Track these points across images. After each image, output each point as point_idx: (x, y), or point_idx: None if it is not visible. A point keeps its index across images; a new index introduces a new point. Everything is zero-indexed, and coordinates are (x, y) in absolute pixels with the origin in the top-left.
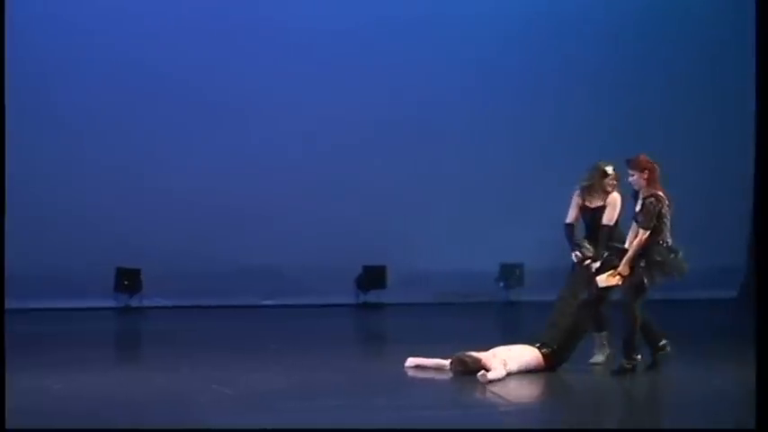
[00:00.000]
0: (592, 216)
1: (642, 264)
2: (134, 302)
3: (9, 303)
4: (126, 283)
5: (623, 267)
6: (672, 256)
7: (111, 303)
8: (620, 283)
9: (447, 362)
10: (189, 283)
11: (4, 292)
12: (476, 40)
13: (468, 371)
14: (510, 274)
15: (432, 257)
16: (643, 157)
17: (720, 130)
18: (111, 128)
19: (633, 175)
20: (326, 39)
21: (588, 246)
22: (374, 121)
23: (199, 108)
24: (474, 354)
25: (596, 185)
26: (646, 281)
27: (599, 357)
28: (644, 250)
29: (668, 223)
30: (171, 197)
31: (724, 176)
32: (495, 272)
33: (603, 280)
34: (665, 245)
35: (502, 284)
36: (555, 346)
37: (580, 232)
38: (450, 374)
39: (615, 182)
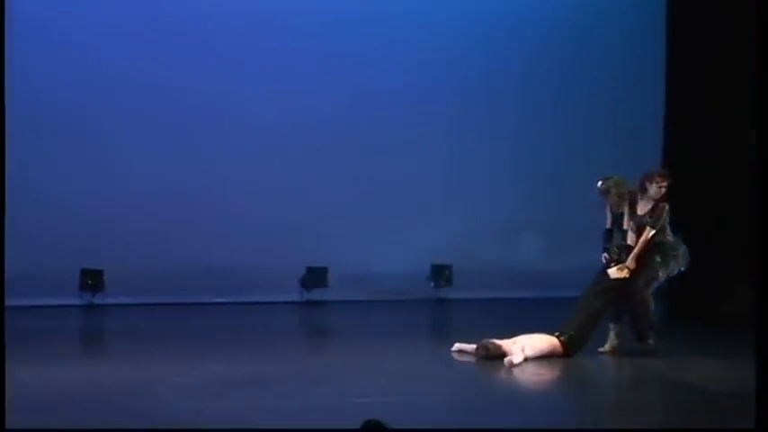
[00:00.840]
0: (618, 221)
1: (658, 259)
2: (97, 300)
3: None
4: (90, 282)
5: (630, 261)
6: (682, 249)
7: (76, 301)
8: (627, 275)
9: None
10: (148, 282)
11: (3, 293)
12: (416, 45)
13: (490, 356)
14: (440, 274)
15: (369, 259)
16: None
17: (629, 139)
18: (79, 136)
19: (667, 186)
20: (279, 49)
21: (616, 249)
22: (317, 135)
23: (159, 116)
24: (496, 341)
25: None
26: (660, 274)
27: (606, 346)
28: (656, 247)
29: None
30: (131, 204)
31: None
32: (426, 272)
33: (614, 272)
34: (672, 240)
35: (432, 284)
36: (571, 334)
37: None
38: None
39: (625, 190)
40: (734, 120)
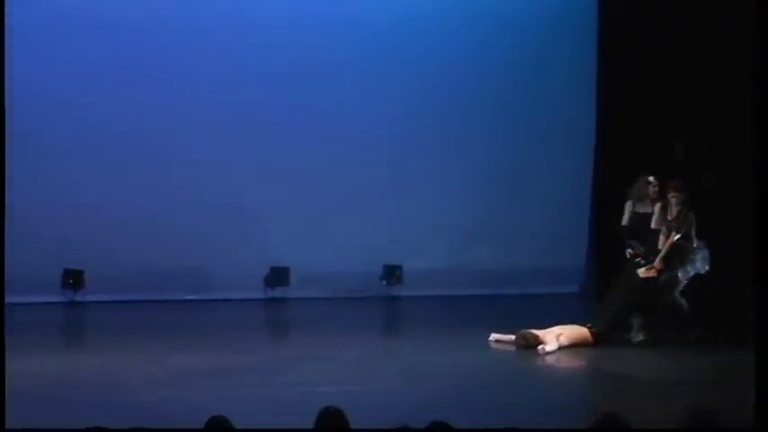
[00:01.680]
0: (640, 220)
1: (677, 261)
2: (78, 298)
3: None
4: (71, 281)
5: (658, 262)
6: (701, 253)
7: (58, 299)
8: (655, 275)
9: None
10: (125, 281)
11: (3, 292)
12: (373, 52)
13: (529, 345)
14: (391, 273)
15: (327, 259)
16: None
17: (563, 142)
18: (59, 146)
19: (679, 197)
20: (241, 57)
21: (639, 245)
22: (280, 146)
23: (136, 126)
24: (534, 331)
25: (642, 194)
26: (680, 275)
27: (639, 336)
28: (677, 250)
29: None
30: (110, 210)
31: (568, 192)
32: (378, 271)
33: (643, 272)
34: (695, 245)
35: (385, 282)
36: (602, 326)
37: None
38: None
39: (657, 188)
40: (660, 129)
